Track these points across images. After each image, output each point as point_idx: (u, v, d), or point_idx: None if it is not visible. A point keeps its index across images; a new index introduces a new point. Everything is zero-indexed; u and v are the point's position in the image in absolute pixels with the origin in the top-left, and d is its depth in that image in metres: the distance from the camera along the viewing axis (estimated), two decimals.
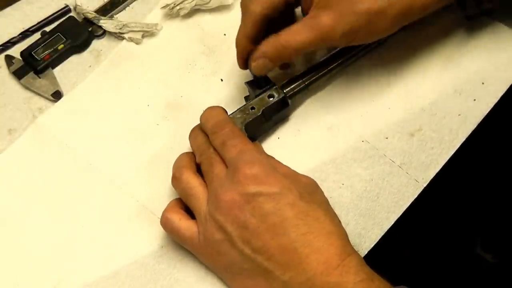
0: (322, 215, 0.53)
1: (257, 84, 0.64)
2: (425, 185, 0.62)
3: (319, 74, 0.66)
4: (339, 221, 0.55)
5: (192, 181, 0.57)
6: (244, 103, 0.64)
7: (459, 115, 0.66)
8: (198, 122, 0.67)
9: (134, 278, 0.59)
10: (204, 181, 0.57)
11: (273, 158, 0.59)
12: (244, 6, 0.62)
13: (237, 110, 0.63)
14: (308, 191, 0.55)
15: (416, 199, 0.62)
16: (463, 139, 0.64)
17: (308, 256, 0.51)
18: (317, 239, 0.51)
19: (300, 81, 0.65)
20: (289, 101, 0.64)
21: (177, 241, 0.59)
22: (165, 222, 0.58)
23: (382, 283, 0.50)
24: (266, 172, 0.53)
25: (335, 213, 0.56)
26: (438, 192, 0.65)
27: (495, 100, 0.66)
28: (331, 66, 0.66)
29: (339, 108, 0.67)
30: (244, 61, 0.63)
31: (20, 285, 0.59)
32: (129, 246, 0.61)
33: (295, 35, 0.59)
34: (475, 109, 0.66)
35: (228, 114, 0.62)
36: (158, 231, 0.60)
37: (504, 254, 0.75)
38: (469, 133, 0.65)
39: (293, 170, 0.58)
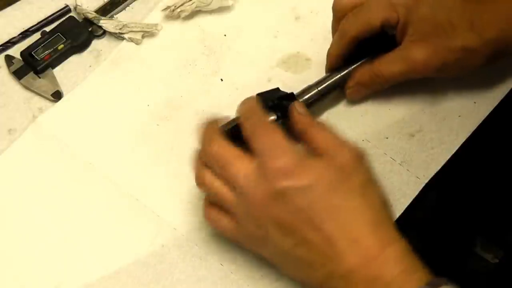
0: (358, 203, 0.51)
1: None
2: (426, 181, 0.62)
3: (334, 84, 0.65)
4: (383, 202, 0.52)
5: (215, 183, 0.54)
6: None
7: (459, 116, 0.66)
8: (198, 122, 0.67)
9: (136, 278, 0.59)
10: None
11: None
12: (341, 27, 0.63)
13: None
14: (345, 174, 0.51)
15: (416, 199, 0.62)
16: (463, 140, 0.65)
17: (346, 248, 0.49)
18: (354, 229, 0.50)
19: (315, 91, 0.64)
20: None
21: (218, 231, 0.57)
22: (206, 216, 0.56)
23: (424, 275, 0.48)
24: (294, 163, 0.51)
25: (377, 194, 0.53)
26: (438, 192, 0.65)
27: (495, 103, 0.66)
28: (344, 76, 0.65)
29: (339, 108, 0.67)
30: (331, 71, 0.65)
31: (20, 286, 0.59)
32: (130, 245, 0.60)
33: (388, 66, 0.61)
34: (475, 112, 0.66)
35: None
36: (159, 230, 0.60)
37: (504, 254, 0.75)
38: (469, 134, 0.65)
39: (334, 143, 0.53)
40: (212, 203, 0.56)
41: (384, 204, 0.53)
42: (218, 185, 0.54)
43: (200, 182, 0.55)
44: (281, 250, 0.52)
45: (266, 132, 0.53)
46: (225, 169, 0.53)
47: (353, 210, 0.50)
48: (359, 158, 0.53)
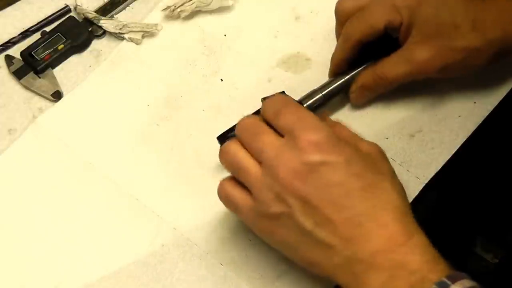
0: (389, 187, 0.51)
1: None
2: (426, 181, 0.62)
3: (338, 88, 0.65)
4: (405, 194, 0.53)
5: (240, 153, 0.52)
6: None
7: (459, 116, 0.66)
8: (198, 122, 0.67)
9: (136, 278, 0.59)
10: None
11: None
12: (344, 30, 0.63)
13: None
14: (373, 160, 0.52)
15: (416, 199, 0.62)
16: (463, 140, 0.65)
17: (373, 231, 0.49)
18: (384, 213, 0.49)
19: (320, 95, 0.64)
20: None
21: (231, 211, 0.55)
22: (220, 189, 0.54)
23: (447, 267, 0.48)
24: (329, 139, 0.50)
25: (401, 185, 0.53)
26: (438, 192, 0.65)
27: (495, 103, 0.66)
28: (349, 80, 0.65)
29: (338, 108, 0.67)
30: (334, 74, 0.65)
31: (20, 286, 0.59)
32: (130, 245, 0.60)
33: (391, 68, 0.61)
34: (475, 112, 0.66)
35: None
36: (159, 230, 0.60)
37: (504, 254, 0.75)
38: (469, 134, 0.65)
39: (356, 137, 0.55)
40: (228, 180, 0.54)
41: (406, 195, 0.53)
42: (242, 155, 0.52)
43: (224, 151, 0.54)
44: (299, 231, 0.50)
45: (292, 108, 0.52)
46: (256, 139, 0.52)
47: (385, 193, 0.50)
48: (381, 151, 0.54)
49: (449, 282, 0.46)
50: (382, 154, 0.54)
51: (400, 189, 0.52)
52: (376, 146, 0.54)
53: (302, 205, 0.49)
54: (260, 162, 0.51)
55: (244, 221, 0.55)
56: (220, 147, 0.54)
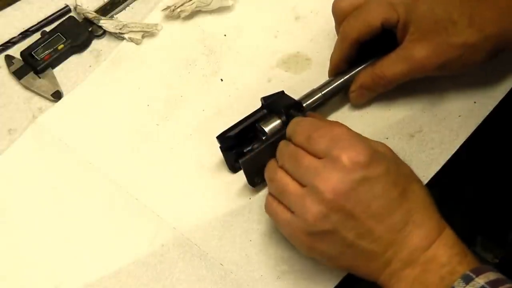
0: (418, 189, 0.53)
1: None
2: (426, 181, 0.62)
3: (338, 88, 0.65)
4: (427, 189, 0.54)
5: (286, 178, 0.54)
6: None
7: (459, 116, 0.66)
8: (198, 122, 0.67)
9: (136, 278, 0.59)
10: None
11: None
12: (342, 29, 0.63)
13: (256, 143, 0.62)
14: (397, 162, 0.54)
15: None
16: (463, 140, 0.65)
17: (411, 232, 0.51)
18: (419, 214, 0.51)
19: (319, 95, 0.64)
20: None
21: (275, 224, 0.57)
22: (266, 203, 0.56)
23: (473, 259, 0.51)
24: (368, 154, 0.51)
25: (421, 181, 0.55)
26: (438, 192, 0.65)
27: (495, 103, 0.66)
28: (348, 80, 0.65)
29: (338, 107, 0.67)
30: (334, 74, 0.65)
31: (20, 286, 0.59)
32: (130, 245, 0.61)
33: (390, 67, 0.61)
34: (475, 112, 0.66)
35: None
36: (159, 230, 0.60)
37: (504, 254, 0.75)
38: (469, 134, 0.65)
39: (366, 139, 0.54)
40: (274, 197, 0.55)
41: (428, 189, 0.54)
42: (286, 180, 0.53)
43: (274, 179, 0.55)
44: (340, 244, 0.52)
45: (322, 132, 0.53)
46: (297, 165, 0.53)
47: (416, 196, 0.52)
48: (391, 150, 0.55)
49: (473, 275, 0.48)
50: (393, 152, 0.55)
51: (423, 186, 0.54)
52: (386, 145, 0.55)
53: (346, 221, 0.51)
54: (304, 186, 0.52)
55: (285, 235, 0.56)
56: (267, 175, 0.56)
